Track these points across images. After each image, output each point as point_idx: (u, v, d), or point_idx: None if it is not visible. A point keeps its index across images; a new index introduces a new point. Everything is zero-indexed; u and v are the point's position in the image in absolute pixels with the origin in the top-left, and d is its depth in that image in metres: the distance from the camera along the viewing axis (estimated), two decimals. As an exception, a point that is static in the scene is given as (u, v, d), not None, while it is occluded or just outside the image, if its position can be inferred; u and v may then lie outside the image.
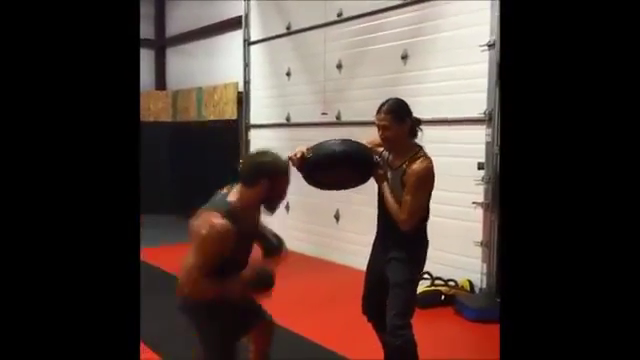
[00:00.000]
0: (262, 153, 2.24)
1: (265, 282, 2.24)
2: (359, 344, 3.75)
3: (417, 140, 2.77)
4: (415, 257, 2.76)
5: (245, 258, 2.28)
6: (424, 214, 2.75)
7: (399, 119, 2.63)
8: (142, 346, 3.43)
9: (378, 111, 2.69)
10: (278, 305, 4.45)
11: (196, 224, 2.09)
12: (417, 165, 2.61)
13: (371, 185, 3.24)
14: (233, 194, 2.18)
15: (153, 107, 9.59)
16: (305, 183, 2.80)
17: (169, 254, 6.64)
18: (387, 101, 2.70)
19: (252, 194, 2.15)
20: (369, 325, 3.01)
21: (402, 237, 2.72)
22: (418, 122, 2.74)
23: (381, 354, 3.00)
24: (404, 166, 2.64)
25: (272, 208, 2.24)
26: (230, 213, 2.08)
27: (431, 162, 2.67)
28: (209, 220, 2.05)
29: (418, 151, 2.69)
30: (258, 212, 2.32)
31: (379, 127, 2.68)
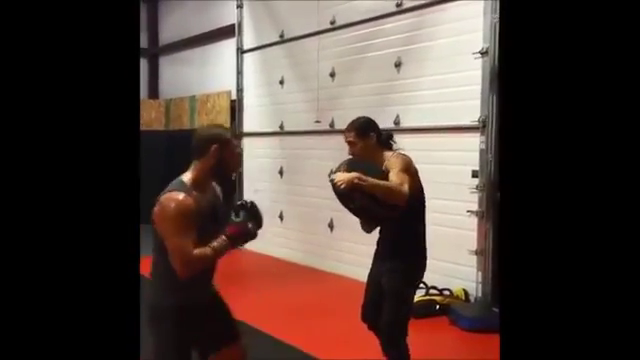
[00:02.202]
0: (210, 126, 2.37)
1: (247, 231, 2.21)
2: (352, 354, 3.70)
3: (403, 151, 2.85)
4: (410, 267, 2.80)
5: (216, 233, 2.25)
6: (414, 199, 2.71)
7: (362, 134, 2.82)
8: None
9: (344, 130, 2.89)
10: (270, 314, 4.43)
11: (158, 209, 2.10)
12: (394, 157, 2.75)
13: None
14: (186, 174, 2.21)
15: (146, 116, 9.54)
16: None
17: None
18: (353, 120, 2.92)
19: (204, 163, 2.19)
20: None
21: (398, 247, 2.80)
22: (389, 136, 2.92)
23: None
24: (383, 169, 2.71)
25: (225, 179, 2.31)
26: (188, 189, 2.14)
27: (408, 157, 2.76)
28: (172, 199, 2.09)
29: (396, 151, 2.83)
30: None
31: (347, 144, 2.88)
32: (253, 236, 2.23)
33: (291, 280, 5.86)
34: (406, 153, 2.80)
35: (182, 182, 2.17)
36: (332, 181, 2.57)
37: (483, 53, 4.50)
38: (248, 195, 6.77)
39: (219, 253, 2.14)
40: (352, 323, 4.18)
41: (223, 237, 2.14)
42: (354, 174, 2.53)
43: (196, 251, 2.07)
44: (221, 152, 2.18)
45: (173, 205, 2.07)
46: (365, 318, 2.99)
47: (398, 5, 5.32)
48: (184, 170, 2.23)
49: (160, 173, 9.35)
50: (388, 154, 2.81)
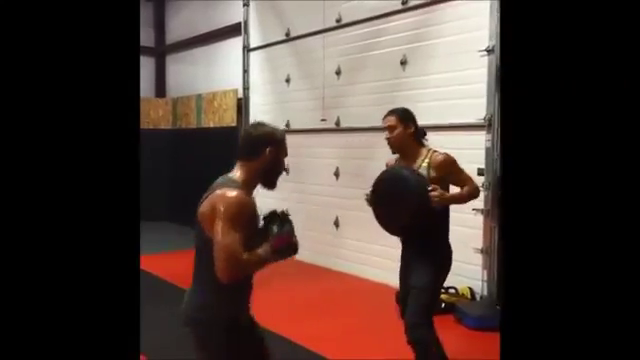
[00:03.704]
0: (260, 124, 2.15)
1: (293, 244, 2.07)
2: (358, 353, 3.71)
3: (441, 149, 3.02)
4: (433, 263, 2.89)
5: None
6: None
7: (404, 120, 2.91)
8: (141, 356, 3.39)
9: (385, 116, 2.97)
10: (276, 313, 4.44)
11: (211, 207, 1.93)
12: (442, 155, 2.90)
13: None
14: (235, 172, 2.06)
15: (153, 114, 9.59)
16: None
17: (169, 262, 6.63)
18: (393, 108, 3.01)
19: (257, 165, 2.04)
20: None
21: (422, 246, 2.92)
22: (423, 132, 3.01)
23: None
24: (425, 164, 2.86)
25: (273, 182, 2.12)
26: (242, 189, 1.98)
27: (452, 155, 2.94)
28: (229, 194, 1.92)
29: (431, 149, 2.95)
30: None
31: (386, 129, 2.94)
32: (296, 250, 2.08)
33: (296, 278, 5.86)
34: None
35: (235, 181, 2.01)
36: (426, 190, 2.71)
37: (489, 51, 4.48)
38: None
39: (264, 263, 1.98)
40: (357, 321, 4.18)
41: (268, 248, 1.98)
42: (448, 194, 2.80)
43: (244, 255, 1.90)
44: (275, 154, 2.06)
45: (232, 202, 1.91)
46: (398, 303, 3.19)
47: (404, 3, 5.31)
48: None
49: (167, 171, 9.46)
50: (424, 150, 2.92)
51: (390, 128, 2.91)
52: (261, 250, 1.97)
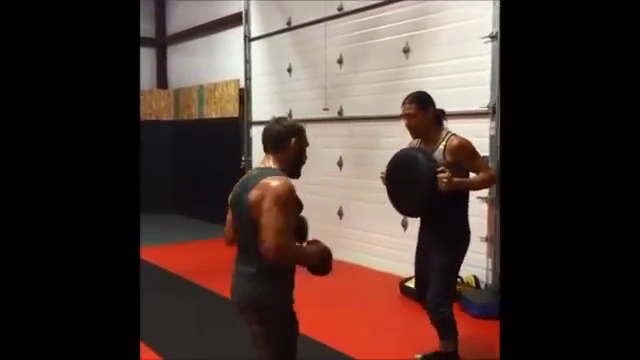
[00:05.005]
0: (281, 119, 2.37)
1: (328, 260, 2.36)
2: (362, 342, 3.71)
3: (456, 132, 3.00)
4: (452, 243, 2.93)
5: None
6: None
7: (423, 107, 2.88)
8: (142, 346, 3.40)
9: (403, 102, 2.93)
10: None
11: (267, 193, 2.08)
12: (457, 140, 2.85)
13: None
14: (268, 163, 2.24)
15: (155, 105, 9.58)
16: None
17: (171, 252, 6.65)
18: (411, 93, 2.97)
19: (284, 156, 2.25)
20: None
21: (440, 226, 2.94)
22: (442, 113, 2.98)
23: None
24: (441, 147, 2.83)
25: (298, 171, 2.34)
26: (284, 175, 2.19)
27: (468, 140, 2.89)
28: (279, 181, 2.10)
29: (449, 132, 2.91)
30: None
31: (405, 116, 2.92)
32: (329, 269, 2.38)
33: (299, 269, 5.87)
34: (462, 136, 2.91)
35: (275, 169, 2.21)
36: (436, 172, 2.67)
37: (492, 37, 4.45)
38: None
39: (304, 258, 2.30)
40: (361, 310, 4.17)
41: (319, 247, 2.31)
42: (457, 179, 2.72)
43: (291, 243, 2.17)
44: (299, 145, 2.28)
45: (284, 188, 2.10)
46: (417, 288, 3.17)
47: (406, -10, 5.26)
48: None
49: (169, 163, 9.45)
50: (443, 133, 2.89)
51: (409, 116, 2.88)
52: (308, 246, 2.30)
